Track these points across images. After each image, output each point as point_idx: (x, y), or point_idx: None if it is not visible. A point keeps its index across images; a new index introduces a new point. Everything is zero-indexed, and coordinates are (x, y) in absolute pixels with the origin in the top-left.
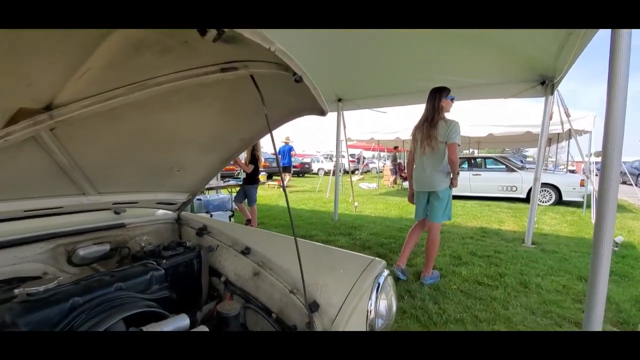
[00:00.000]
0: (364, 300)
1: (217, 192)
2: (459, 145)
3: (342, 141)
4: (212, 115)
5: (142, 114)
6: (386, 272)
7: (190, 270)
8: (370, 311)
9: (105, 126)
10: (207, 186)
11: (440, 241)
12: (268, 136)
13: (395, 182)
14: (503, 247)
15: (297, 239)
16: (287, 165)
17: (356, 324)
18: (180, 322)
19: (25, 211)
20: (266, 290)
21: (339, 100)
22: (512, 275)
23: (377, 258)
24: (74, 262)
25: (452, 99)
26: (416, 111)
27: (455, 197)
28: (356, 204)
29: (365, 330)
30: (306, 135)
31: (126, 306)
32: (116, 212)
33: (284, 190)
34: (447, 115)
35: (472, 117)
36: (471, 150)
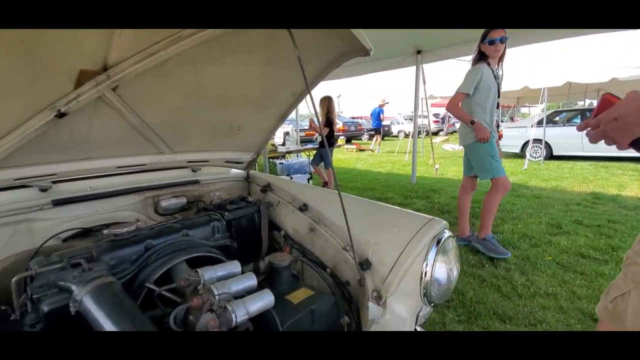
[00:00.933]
0: (418, 262)
1: (297, 156)
2: (467, 95)
3: (422, 99)
4: (256, 68)
5: (189, 70)
6: (447, 233)
7: (252, 223)
8: (425, 273)
9: (160, 84)
10: (287, 150)
11: (496, 203)
12: (353, 101)
13: None
14: (620, 215)
15: (352, 196)
16: (376, 127)
17: (409, 286)
18: (232, 267)
19: (117, 167)
20: (321, 246)
21: (418, 52)
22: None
23: (436, 218)
24: (159, 212)
25: (491, 42)
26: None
27: (562, 158)
28: (437, 166)
29: (419, 293)
30: (389, 97)
31: (189, 250)
32: (193, 170)
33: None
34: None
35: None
36: (588, 101)
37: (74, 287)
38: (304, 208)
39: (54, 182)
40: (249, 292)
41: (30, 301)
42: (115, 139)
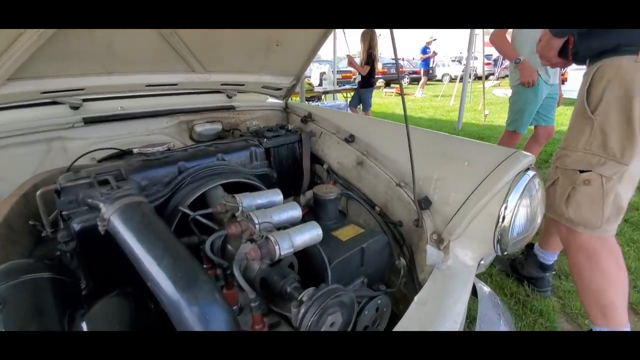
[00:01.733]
0: (495, 203)
1: (334, 98)
2: None
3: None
4: None
5: None
6: (532, 172)
7: (292, 154)
8: (503, 217)
9: None
10: (323, 90)
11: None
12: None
13: None
14: None
15: (412, 126)
16: (424, 67)
17: (480, 230)
18: (273, 196)
19: (146, 86)
20: (370, 181)
21: None
22: None
23: (521, 151)
24: (193, 137)
25: None
26: None
27: None
28: (486, 112)
29: (492, 240)
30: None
31: (225, 175)
32: (228, 96)
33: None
34: None
35: None
36: None
37: (101, 205)
38: (350, 139)
39: (84, 101)
40: (293, 224)
41: (61, 218)
42: (141, 51)
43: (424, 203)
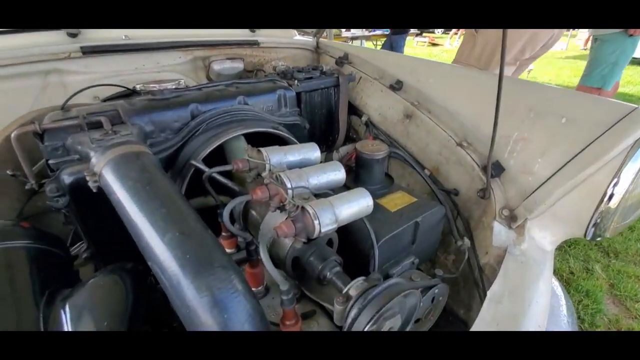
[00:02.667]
0: (602, 176)
1: (361, 43)
2: None
3: None
4: None
5: None
6: None
7: (326, 101)
8: (611, 196)
9: None
10: (351, 35)
11: None
12: None
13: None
14: None
15: (488, 72)
16: None
17: (572, 209)
18: (308, 152)
19: None
20: (420, 139)
21: None
22: None
23: None
24: (211, 77)
25: None
26: None
27: None
28: (531, 67)
29: (587, 222)
30: None
31: (248, 122)
32: (251, 30)
33: None
34: None
35: None
36: None
37: (92, 155)
38: (397, 86)
39: (82, 28)
40: (334, 189)
41: (48, 168)
42: None
43: (495, 169)
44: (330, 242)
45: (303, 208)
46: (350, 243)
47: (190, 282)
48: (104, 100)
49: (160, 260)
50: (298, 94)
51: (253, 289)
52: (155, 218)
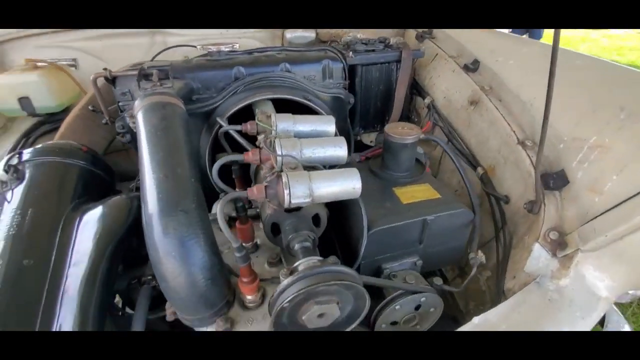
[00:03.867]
0: None
1: None
2: None
3: None
4: None
5: None
6: None
7: (386, 77)
8: None
9: None
10: None
11: None
12: None
13: None
14: None
15: (571, 50)
16: None
17: None
18: (322, 124)
19: None
20: (481, 130)
21: None
22: None
23: None
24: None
25: None
26: None
27: None
28: None
29: None
30: None
31: (279, 89)
32: None
33: None
34: None
35: None
36: None
37: (137, 100)
38: (472, 67)
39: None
40: (332, 165)
41: (119, 108)
42: None
43: (556, 180)
44: (317, 218)
45: (279, 176)
46: (346, 226)
47: (158, 218)
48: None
49: (146, 198)
50: (353, 67)
51: (244, 244)
52: (152, 160)
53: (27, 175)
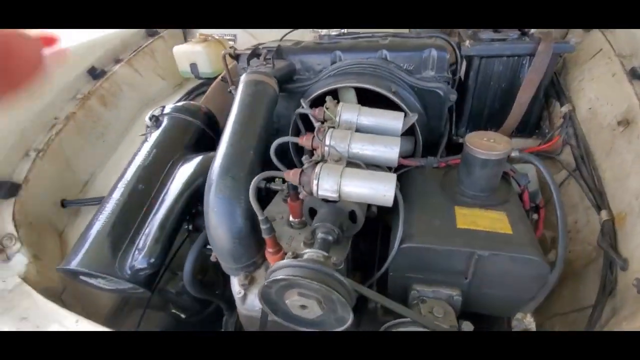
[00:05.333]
0: None
1: None
2: None
3: None
4: None
5: None
6: None
7: (511, 72)
8: None
9: None
10: None
11: None
12: None
13: None
14: None
15: None
16: None
17: None
18: (388, 120)
19: None
20: (622, 163)
21: None
22: None
23: None
24: None
25: None
26: None
27: None
28: None
29: None
30: None
31: (365, 78)
32: None
33: None
34: None
35: None
36: None
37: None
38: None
39: None
40: (379, 165)
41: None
42: None
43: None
44: (353, 215)
45: (315, 165)
46: (391, 233)
47: (212, 179)
48: None
49: (214, 160)
50: (469, 58)
51: (293, 219)
52: (229, 129)
53: (162, 125)
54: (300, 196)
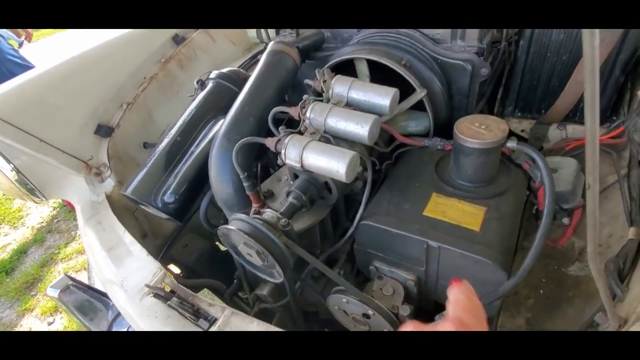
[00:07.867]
0: None
1: None
2: None
3: None
4: None
5: None
6: None
7: (574, 45)
8: None
9: None
10: None
11: None
12: None
13: None
14: None
15: None
16: None
17: None
18: (377, 95)
19: None
20: None
21: None
22: None
23: None
24: None
25: None
26: None
27: None
28: None
29: None
30: None
31: (378, 49)
32: None
33: None
34: None
35: None
36: None
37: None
38: None
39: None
40: (358, 141)
41: None
42: None
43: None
44: (329, 187)
45: (287, 136)
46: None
47: (217, 137)
48: None
49: (227, 116)
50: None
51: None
52: (241, 96)
53: (206, 88)
54: (279, 162)
